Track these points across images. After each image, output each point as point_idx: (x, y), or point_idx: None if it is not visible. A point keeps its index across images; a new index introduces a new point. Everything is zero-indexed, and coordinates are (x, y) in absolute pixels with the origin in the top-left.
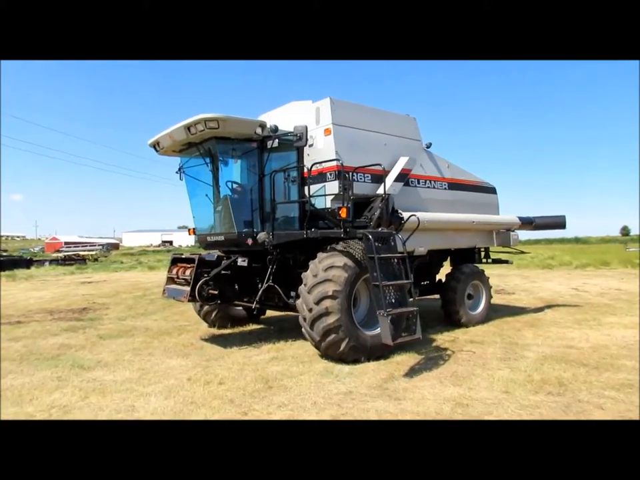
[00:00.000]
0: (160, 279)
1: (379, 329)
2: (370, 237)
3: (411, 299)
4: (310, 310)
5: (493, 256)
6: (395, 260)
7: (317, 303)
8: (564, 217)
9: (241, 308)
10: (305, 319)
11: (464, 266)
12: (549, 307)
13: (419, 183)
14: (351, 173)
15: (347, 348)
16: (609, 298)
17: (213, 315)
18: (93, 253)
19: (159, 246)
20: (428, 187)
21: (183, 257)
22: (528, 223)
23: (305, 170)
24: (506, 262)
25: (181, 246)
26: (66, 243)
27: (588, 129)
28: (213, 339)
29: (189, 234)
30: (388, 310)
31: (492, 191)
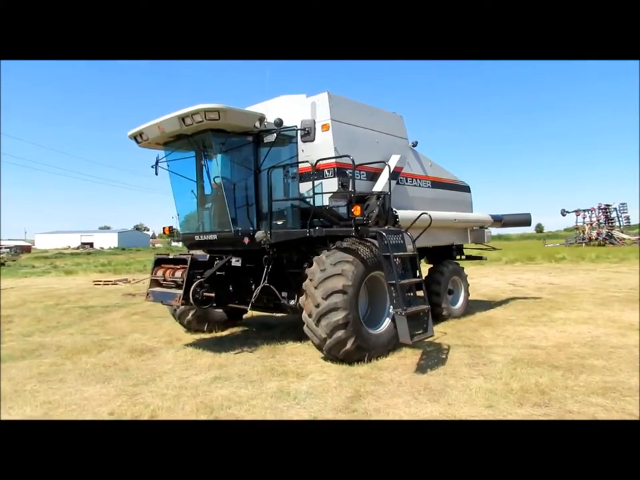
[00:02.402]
0: (78, 285)
1: (379, 328)
2: (384, 235)
3: (421, 296)
4: (317, 305)
5: (467, 252)
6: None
7: (326, 298)
8: (529, 214)
9: (220, 310)
10: (310, 315)
11: (445, 262)
12: (496, 303)
13: (406, 181)
14: (352, 171)
15: (353, 347)
16: (547, 292)
17: (190, 317)
18: None
19: (78, 248)
20: (415, 185)
21: (170, 257)
22: (498, 221)
23: (309, 165)
24: (480, 258)
25: (102, 248)
26: None
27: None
28: (141, 356)
29: (164, 233)
30: (404, 308)
31: (467, 189)
